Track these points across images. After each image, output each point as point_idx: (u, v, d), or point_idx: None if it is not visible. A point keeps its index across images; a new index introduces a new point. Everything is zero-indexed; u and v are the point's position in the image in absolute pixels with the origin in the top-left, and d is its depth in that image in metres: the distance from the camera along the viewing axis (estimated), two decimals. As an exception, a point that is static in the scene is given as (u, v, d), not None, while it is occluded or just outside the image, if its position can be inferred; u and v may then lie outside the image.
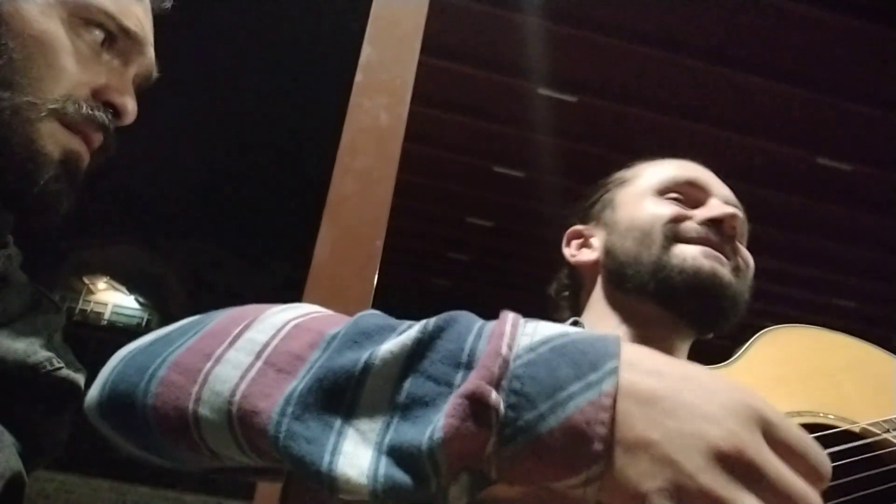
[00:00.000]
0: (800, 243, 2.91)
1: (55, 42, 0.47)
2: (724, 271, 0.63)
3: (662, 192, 0.70)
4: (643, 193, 0.71)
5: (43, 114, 0.46)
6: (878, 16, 1.78)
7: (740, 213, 0.68)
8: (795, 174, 2.48)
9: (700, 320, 0.65)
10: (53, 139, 0.47)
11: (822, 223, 2.77)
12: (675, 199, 0.69)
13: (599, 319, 0.68)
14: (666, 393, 0.31)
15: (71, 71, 0.48)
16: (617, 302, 0.68)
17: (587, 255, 0.73)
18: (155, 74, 0.58)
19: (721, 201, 0.69)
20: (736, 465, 0.29)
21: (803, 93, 2.07)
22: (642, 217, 0.68)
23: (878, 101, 2.07)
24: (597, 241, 0.73)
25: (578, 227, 0.76)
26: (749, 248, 0.69)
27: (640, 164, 0.77)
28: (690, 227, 0.66)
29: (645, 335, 0.65)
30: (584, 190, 0.81)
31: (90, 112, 0.49)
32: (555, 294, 0.82)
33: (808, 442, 0.31)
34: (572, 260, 0.74)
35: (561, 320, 0.79)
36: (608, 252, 0.69)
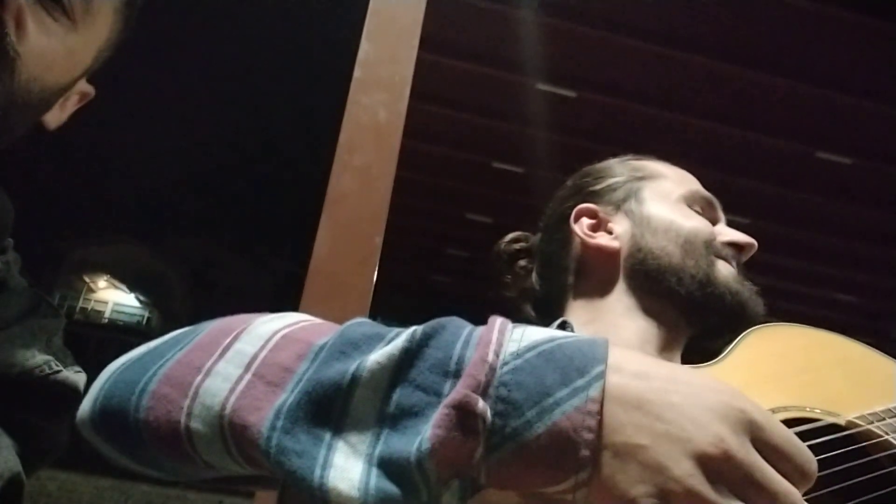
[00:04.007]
0: (799, 237, 2.91)
1: None
2: (758, 300, 0.65)
3: (689, 202, 0.70)
4: (671, 196, 0.70)
5: None
6: (877, 10, 1.77)
7: (756, 245, 0.69)
8: (795, 168, 2.48)
9: (716, 332, 0.65)
10: None
11: (822, 217, 2.77)
12: (698, 212, 0.70)
13: (615, 314, 0.66)
14: (653, 396, 0.31)
15: None
16: (639, 298, 0.66)
17: (607, 241, 0.68)
18: None
19: (724, 225, 0.71)
20: (723, 469, 0.29)
21: (803, 87, 2.07)
22: (684, 225, 0.67)
23: (877, 95, 2.06)
24: (619, 228, 0.69)
25: (592, 206, 0.72)
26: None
27: (655, 161, 0.76)
28: (719, 244, 0.67)
29: (656, 332, 0.65)
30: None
31: None
32: (507, 259, 0.78)
33: (795, 442, 0.31)
34: (590, 242, 0.69)
35: (519, 288, 0.78)
36: (641, 249, 0.66)
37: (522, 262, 0.79)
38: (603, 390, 0.31)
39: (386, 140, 1.16)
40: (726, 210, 0.73)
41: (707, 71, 2.06)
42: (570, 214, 0.72)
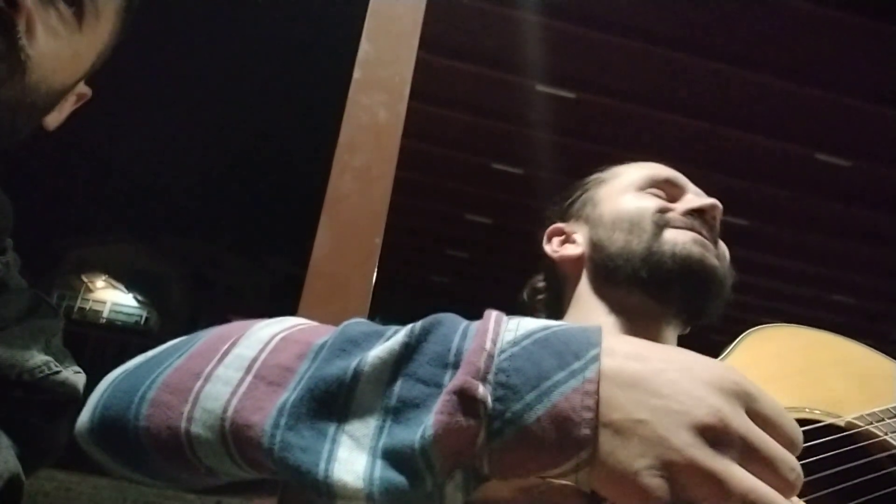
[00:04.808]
0: (799, 239, 2.91)
1: None
2: (712, 256, 0.65)
3: (642, 187, 0.72)
4: (624, 189, 0.72)
5: None
6: (877, 12, 1.77)
7: (720, 205, 0.69)
8: (794, 170, 2.48)
9: (688, 306, 0.66)
10: None
11: (822, 219, 2.77)
12: (654, 194, 0.71)
13: (587, 313, 0.69)
14: (649, 374, 0.31)
15: None
16: (605, 295, 0.69)
17: (571, 251, 0.73)
18: None
19: (696, 196, 0.72)
20: (721, 437, 0.29)
21: (802, 89, 2.07)
22: (629, 209, 0.69)
23: (877, 97, 2.06)
24: (580, 236, 0.73)
25: (558, 224, 0.77)
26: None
27: (615, 166, 0.79)
28: (676, 216, 0.68)
29: (634, 326, 0.66)
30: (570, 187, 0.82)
31: None
32: (529, 298, 0.83)
33: (785, 414, 0.32)
34: (555, 256, 0.75)
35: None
36: (595, 246, 0.70)
37: (540, 297, 0.83)
38: (599, 371, 0.31)
39: (386, 140, 1.16)
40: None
41: (706, 73, 2.06)
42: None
